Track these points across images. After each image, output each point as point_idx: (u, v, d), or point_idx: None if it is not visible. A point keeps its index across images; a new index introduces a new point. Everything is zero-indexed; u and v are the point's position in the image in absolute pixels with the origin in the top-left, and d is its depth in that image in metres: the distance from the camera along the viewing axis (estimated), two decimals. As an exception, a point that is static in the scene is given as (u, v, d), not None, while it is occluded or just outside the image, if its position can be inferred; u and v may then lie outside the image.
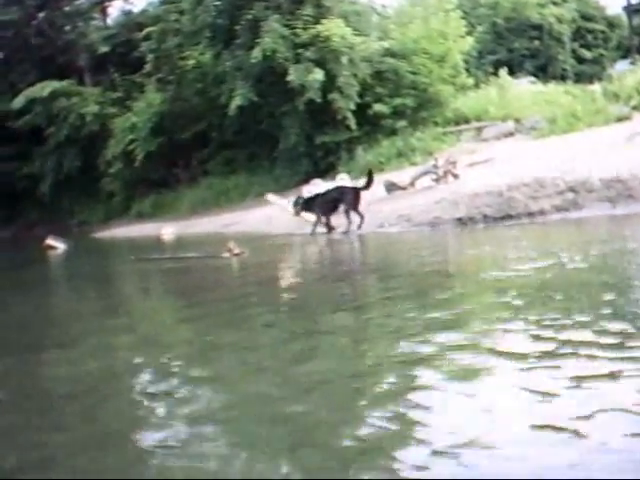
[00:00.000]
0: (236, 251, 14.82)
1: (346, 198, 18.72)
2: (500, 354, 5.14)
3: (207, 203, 36.73)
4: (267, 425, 4.32)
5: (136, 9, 52.60)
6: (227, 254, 14.79)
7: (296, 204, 20.22)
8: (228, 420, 4.50)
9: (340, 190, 19.44)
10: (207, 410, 4.70)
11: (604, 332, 5.30)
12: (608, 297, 6.57)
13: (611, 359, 4.66)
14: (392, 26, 34.42)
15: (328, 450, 3.85)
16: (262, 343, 6.79)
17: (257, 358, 6.08)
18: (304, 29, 32.50)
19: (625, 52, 52.49)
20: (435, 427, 3.93)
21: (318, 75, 30.95)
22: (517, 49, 50.32)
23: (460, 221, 16.21)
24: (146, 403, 5.03)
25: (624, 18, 59.94)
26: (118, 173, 43.24)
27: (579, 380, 4.28)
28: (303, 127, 32.68)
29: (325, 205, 19.25)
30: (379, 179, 21.85)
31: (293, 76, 31.21)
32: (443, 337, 5.79)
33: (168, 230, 28.81)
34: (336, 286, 10.17)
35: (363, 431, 4.03)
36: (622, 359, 4.63)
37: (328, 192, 19.68)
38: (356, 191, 18.90)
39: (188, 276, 13.37)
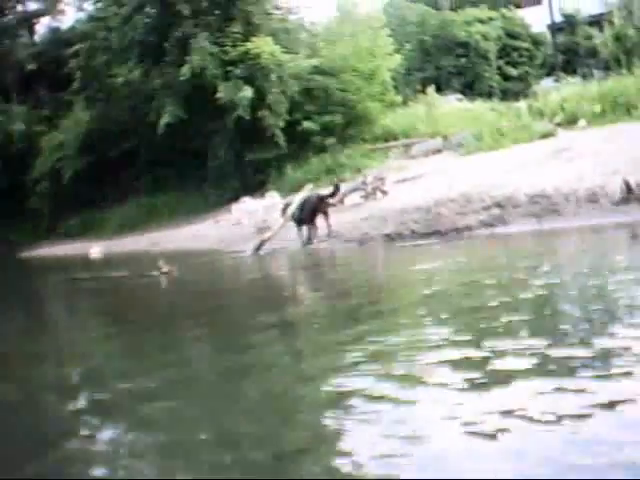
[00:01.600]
0: (165, 269, 14.76)
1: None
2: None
3: (136, 221, 36.42)
4: (196, 440, 4.33)
5: (64, 26, 51.94)
6: (156, 272, 14.73)
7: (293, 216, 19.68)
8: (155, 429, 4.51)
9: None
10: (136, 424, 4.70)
11: (532, 354, 5.39)
12: (537, 316, 6.69)
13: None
14: (321, 44, 34.53)
15: (252, 462, 3.88)
16: (191, 359, 6.80)
17: (186, 374, 6.09)
18: (233, 47, 32.50)
19: (550, 70, 53.24)
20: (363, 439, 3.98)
21: (247, 92, 30.97)
22: (444, 66, 50.71)
23: (388, 237, 16.35)
24: (75, 416, 5.03)
25: (548, 36, 60.94)
26: (45, 192, 42.68)
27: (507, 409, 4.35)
28: (232, 145, 32.68)
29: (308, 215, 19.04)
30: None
31: (222, 93, 31.17)
32: (373, 346, 5.85)
33: (96, 249, 28.52)
34: (264, 302, 10.19)
35: (295, 442, 4.08)
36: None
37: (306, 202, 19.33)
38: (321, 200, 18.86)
39: (116, 295, 13.30)
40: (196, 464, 3.92)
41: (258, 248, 18.10)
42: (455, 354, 5.51)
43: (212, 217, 28.28)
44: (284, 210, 19.85)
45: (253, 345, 7.09)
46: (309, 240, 18.34)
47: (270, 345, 7.11)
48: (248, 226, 23.17)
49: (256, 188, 30.36)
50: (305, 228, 18.71)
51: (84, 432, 4.74)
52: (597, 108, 27.95)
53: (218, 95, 31.15)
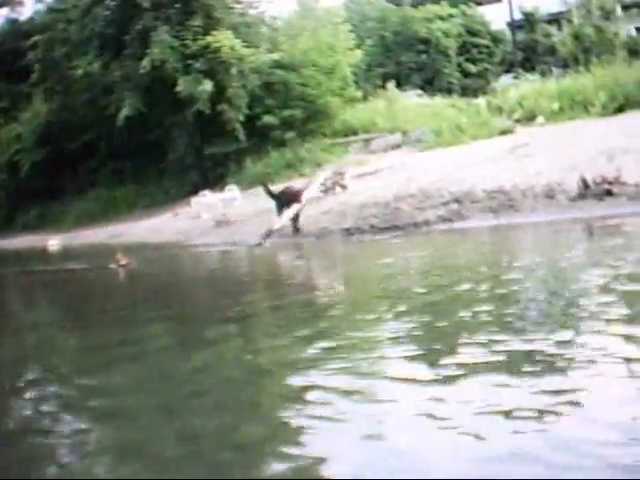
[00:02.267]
0: (123, 262, 14.71)
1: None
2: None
3: (95, 214, 36.23)
4: (156, 434, 4.34)
5: (22, 17, 51.42)
6: (114, 265, 14.68)
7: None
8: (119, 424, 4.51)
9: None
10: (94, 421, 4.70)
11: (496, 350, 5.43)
12: (496, 309, 6.74)
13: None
14: (282, 38, 34.51)
15: (214, 456, 3.89)
16: (150, 353, 6.77)
17: (145, 368, 6.07)
18: (194, 40, 32.42)
19: (509, 66, 53.55)
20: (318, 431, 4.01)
21: (207, 86, 30.91)
22: (405, 62, 50.80)
23: (347, 231, 16.38)
24: (34, 412, 5.01)
25: (508, 33, 61.30)
26: (3, 184, 42.42)
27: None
28: (192, 138, 32.63)
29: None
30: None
31: (182, 87, 31.09)
32: (324, 344, 5.88)
33: (54, 241, 28.35)
34: (221, 296, 10.19)
35: (255, 434, 4.10)
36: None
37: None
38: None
39: (73, 287, 13.22)
40: (155, 458, 3.92)
41: (267, 237, 17.69)
42: (415, 349, 5.54)
43: (171, 210, 28.22)
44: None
45: (212, 339, 7.08)
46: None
47: (229, 339, 7.11)
48: (207, 219, 23.14)
49: (216, 182, 30.34)
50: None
51: (43, 428, 4.71)
52: (555, 105, 28.19)
53: (178, 88, 31.06)
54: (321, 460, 3.59)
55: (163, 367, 6.13)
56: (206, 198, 26.34)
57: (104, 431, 4.54)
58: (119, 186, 37.89)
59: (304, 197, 17.99)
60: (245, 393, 5.11)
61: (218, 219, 21.96)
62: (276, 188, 20.94)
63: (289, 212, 17.70)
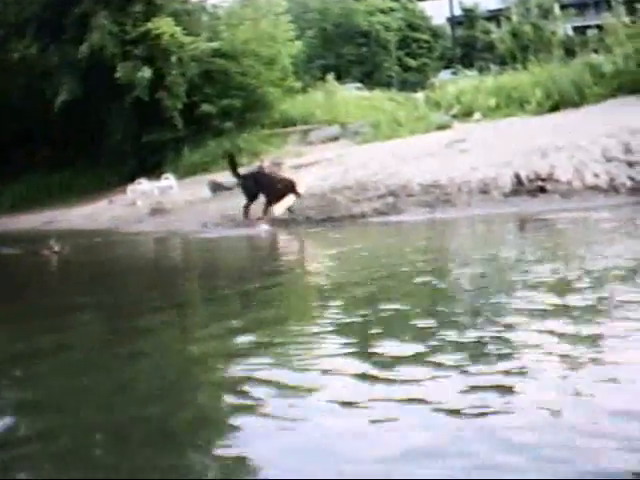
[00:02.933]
0: (56, 249, 14.56)
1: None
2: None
3: (30, 200, 35.75)
4: (84, 424, 4.33)
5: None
6: (46, 252, 14.52)
7: None
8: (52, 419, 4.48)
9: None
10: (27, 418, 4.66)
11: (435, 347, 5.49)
12: (428, 302, 6.81)
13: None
14: (222, 27, 34.45)
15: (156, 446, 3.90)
16: (80, 342, 6.72)
17: (75, 358, 6.03)
18: (133, 26, 32.23)
19: (448, 62, 54.10)
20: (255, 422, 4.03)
21: (146, 73, 30.75)
22: (345, 55, 51.16)
23: (283, 222, 16.40)
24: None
25: (448, 29, 61.88)
26: None
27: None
28: (130, 125, 32.39)
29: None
30: (204, 179, 21.95)
31: (121, 73, 30.89)
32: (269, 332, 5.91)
33: (-14, 226, 28.03)
34: (155, 285, 10.15)
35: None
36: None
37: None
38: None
39: (2, 274, 13.07)
40: (83, 448, 3.91)
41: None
42: (348, 341, 5.57)
43: (107, 197, 28.00)
44: None
45: (144, 328, 7.04)
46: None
47: (162, 328, 7.07)
48: (142, 207, 23.01)
49: (152, 169, 30.14)
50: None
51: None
52: (492, 102, 28.54)
53: (117, 75, 30.85)
54: (248, 452, 3.62)
55: (92, 356, 6.08)
56: (142, 186, 26.21)
57: (30, 422, 4.50)
58: (55, 172, 37.42)
59: (302, 188, 17.35)
60: (176, 383, 5.11)
61: (153, 207, 21.85)
62: (214, 177, 20.92)
63: (287, 200, 17.25)
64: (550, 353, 4.66)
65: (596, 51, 29.69)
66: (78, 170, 35.90)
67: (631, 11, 32.52)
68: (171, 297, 8.82)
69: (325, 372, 4.84)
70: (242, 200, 18.02)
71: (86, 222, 23.62)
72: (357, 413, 3.97)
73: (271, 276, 10.03)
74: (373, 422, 3.81)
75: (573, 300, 6.03)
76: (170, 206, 21.46)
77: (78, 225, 23.50)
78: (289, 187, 17.13)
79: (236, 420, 4.07)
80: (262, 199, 17.35)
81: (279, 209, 17.03)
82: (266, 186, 17.44)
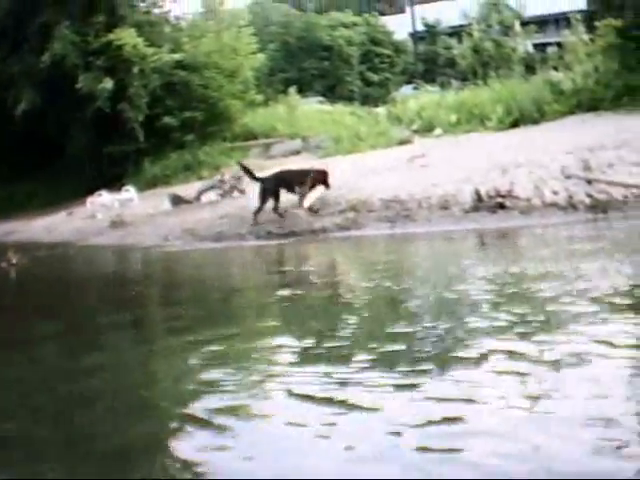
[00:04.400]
0: (14, 260, 14.47)
1: None
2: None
3: (-12, 210, 35.43)
4: (44, 436, 4.31)
5: None
6: (4, 264, 14.42)
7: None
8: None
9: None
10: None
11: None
12: (384, 316, 6.84)
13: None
14: (185, 39, 34.35)
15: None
16: (40, 357, 6.69)
17: (35, 371, 6.00)
18: (96, 37, 32.02)
19: (410, 77, 54.23)
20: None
21: (108, 84, 30.55)
22: (307, 68, 51.13)
23: (244, 236, 16.37)
24: None
25: (410, 44, 62.10)
26: None
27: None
28: (90, 136, 32.14)
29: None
30: (165, 192, 21.91)
31: (82, 84, 30.68)
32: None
33: (-57, 237, 27.70)
34: (113, 299, 10.11)
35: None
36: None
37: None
38: None
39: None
40: (43, 459, 3.91)
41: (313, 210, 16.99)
42: (304, 354, 5.63)
43: (68, 209, 27.81)
44: None
45: (103, 341, 7.05)
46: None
47: (121, 341, 7.08)
48: (102, 219, 22.88)
49: (113, 181, 29.96)
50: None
51: None
52: (453, 117, 28.67)
53: (78, 85, 30.63)
54: (203, 462, 3.64)
55: (53, 370, 6.06)
56: (102, 198, 26.07)
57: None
58: (15, 183, 37.03)
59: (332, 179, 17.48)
60: (134, 397, 5.11)
61: (113, 220, 21.73)
62: (175, 190, 20.83)
63: (316, 192, 17.29)
64: (510, 367, 4.72)
65: (556, 68, 29.94)
66: (39, 181, 35.55)
67: (590, 29, 32.84)
68: (129, 312, 8.80)
69: (280, 384, 4.90)
70: (202, 214, 18.00)
71: (46, 234, 23.47)
72: (309, 422, 4.01)
73: (227, 290, 10.02)
74: (325, 432, 3.86)
75: (523, 316, 6.10)
76: (130, 219, 21.36)
77: (38, 237, 23.34)
78: (320, 178, 17.29)
79: (190, 434, 4.10)
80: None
81: (309, 200, 17.09)
82: (291, 182, 17.35)
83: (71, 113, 32.00)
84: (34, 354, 6.80)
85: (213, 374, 5.25)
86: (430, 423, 3.88)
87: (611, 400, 3.97)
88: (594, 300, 6.32)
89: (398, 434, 3.75)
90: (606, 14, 28.87)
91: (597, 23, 28.27)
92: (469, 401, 4.17)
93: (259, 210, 17.10)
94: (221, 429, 4.10)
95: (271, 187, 17.27)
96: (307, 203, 16.93)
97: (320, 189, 17.15)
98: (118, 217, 21.89)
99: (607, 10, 31.05)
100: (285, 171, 18.28)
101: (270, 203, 17.08)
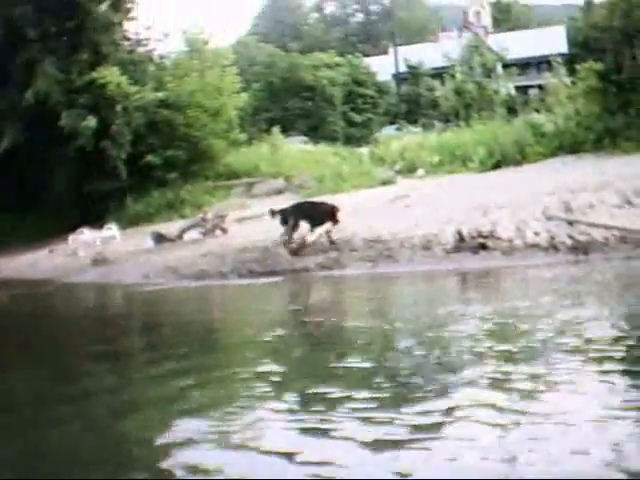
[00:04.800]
0: (-5, 298, 14.43)
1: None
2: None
3: (-31, 247, 35.26)
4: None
5: None
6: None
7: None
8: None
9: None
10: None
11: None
12: (367, 355, 6.85)
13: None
14: (169, 77, 34.39)
15: None
16: (18, 386, 6.68)
17: (14, 400, 6.00)
18: (79, 75, 32.06)
19: (392, 118, 54.58)
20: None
21: (91, 122, 30.56)
22: (291, 108, 51.39)
23: (226, 275, 16.33)
24: None
25: (393, 85, 62.59)
26: None
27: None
28: (73, 173, 32.11)
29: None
30: (147, 230, 21.89)
31: (65, 121, 30.68)
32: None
33: None
34: (93, 333, 10.10)
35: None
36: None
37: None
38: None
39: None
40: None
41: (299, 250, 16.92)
42: (274, 387, 5.70)
43: (50, 245, 27.71)
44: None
45: (81, 374, 7.05)
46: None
47: (97, 375, 7.07)
48: (84, 257, 22.80)
49: (95, 219, 29.87)
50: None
51: None
52: (435, 158, 28.83)
53: (61, 123, 30.62)
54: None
55: (30, 399, 6.08)
56: (84, 235, 26.00)
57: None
58: (-2, 219, 36.91)
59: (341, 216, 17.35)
60: (106, 426, 5.14)
61: (95, 257, 21.65)
62: (157, 228, 20.81)
63: (322, 228, 17.16)
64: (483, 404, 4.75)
65: (537, 110, 30.22)
66: (22, 217, 35.39)
67: (571, 72, 33.17)
68: (108, 344, 8.82)
69: (257, 420, 4.94)
70: (184, 252, 17.98)
71: (28, 271, 23.36)
72: (284, 450, 4.02)
73: (206, 327, 10.02)
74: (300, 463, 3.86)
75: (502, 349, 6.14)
76: (112, 256, 21.30)
77: (20, 273, 23.23)
78: (329, 214, 17.19)
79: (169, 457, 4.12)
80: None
81: (313, 236, 17.05)
82: (311, 214, 17.46)
83: (54, 150, 31.95)
84: (14, 382, 6.81)
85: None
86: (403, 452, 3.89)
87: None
88: (569, 350, 6.35)
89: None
90: (587, 57, 29.21)
91: (578, 66, 28.58)
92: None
93: (288, 239, 17.17)
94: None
95: (292, 217, 17.43)
96: (314, 237, 16.86)
97: (328, 224, 17.07)
98: (100, 255, 21.81)
99: (588, 53, 31.45)
100: (305, 203, 18.32)
101: (287, 231, 17.28)
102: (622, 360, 5.88)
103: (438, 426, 4.57)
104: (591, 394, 5.04)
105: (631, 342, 6.44)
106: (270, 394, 5.67)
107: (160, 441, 4.65)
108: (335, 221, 17.08)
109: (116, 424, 5.35)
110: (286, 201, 25.83)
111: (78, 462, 4.53)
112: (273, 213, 18.15)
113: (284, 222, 17.57)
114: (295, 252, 16.57)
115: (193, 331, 9.81)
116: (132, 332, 10.76)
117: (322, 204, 18.10)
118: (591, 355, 6.08)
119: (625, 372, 5.58)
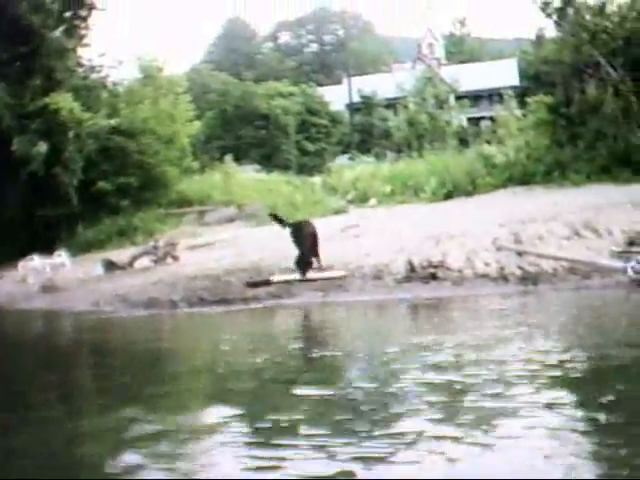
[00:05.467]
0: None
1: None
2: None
3: None
4: None
5: None
6: None
7: None
8: None
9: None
10: None
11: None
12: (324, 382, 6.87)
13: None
14: (122, 104, 34.27)
15: None
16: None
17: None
18: (32, 100, 31.85)
19: (345, 147, 54.93)
20: None
21: (42, 147, 30.34)
22: (244, 137, 51.51)
23: (176, 303, 16.22)
24: None
25: (346, 115, 62.96)
26: None
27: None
28: (24, 199, 31.80)
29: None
30: (98, 257, 21.76)
31: (17, 146, 30.44)
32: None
33: None
34: (46, 362, 10.02)
35: None
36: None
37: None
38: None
39: None
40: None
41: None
42: (222, 416, 5.72)
43: (-1, 272, 27.43)
44: None
45: (34, 403, 7.02)
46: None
47: (48, 406, 7.03)
48: (33, 284, 22.57)
49: (46, 245, 29.60)
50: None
51: None
52: (387, 188, 29.01)
53: (12, 148, 30.39)
54: None
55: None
56: (34, 262, 25.72)
57: None
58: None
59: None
60: (62, 455, 5.12)
61: (44, 284, 21.45)
62: (108, 255, 20.70)
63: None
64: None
65: (489, 142, 30.56)
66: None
67: (522, 104, 33.60)
68: (59, 374, 8.75)
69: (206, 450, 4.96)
70: (134, 280, 17.91)
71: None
72: None
73: (154, 357, 9.98)
74: None
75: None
76: (62, 284, 21.09)
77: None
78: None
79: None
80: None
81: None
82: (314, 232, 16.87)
83: (5, 175, 31.68)
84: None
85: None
86: None
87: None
88: (516, 378, 6.43)
89: None
90: (537, 90, 29.63)
91: (529, 99, 28.98)
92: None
93: (304, 256, 16.50)
94: None
95: (300, 234, 16.82)
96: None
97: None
98: (49, 282, 21.61)
99: (538, 87, 31.88)
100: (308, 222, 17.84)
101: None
102: (568, 387, 5.97)
103: (389, 455, 4.61)
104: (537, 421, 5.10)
105: (577, 372, 6.53)
106: (220, 424, 5.67)
107: (109, 469, 4.65)
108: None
109: (68, 451, 5.34)
110: (237, 229, 25.88)
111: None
112: (281, 221, 17.98)
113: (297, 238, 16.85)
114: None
115: (141, 360, 9.77)
116: (81, 360, 10.68)
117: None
118: (538, 382, 6.15)
119: (571, 400, 5.67)
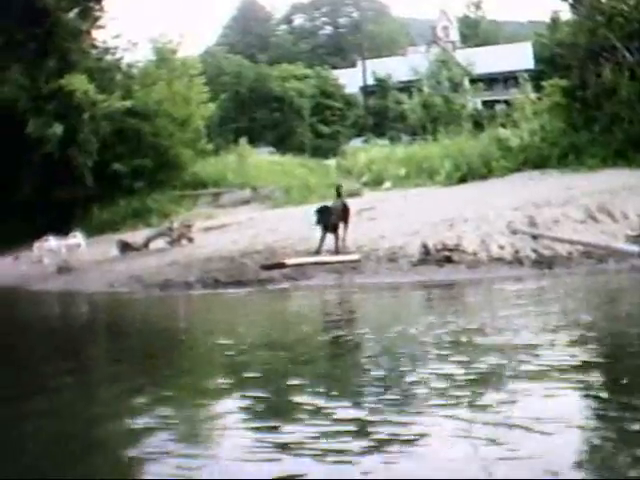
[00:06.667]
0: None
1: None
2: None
3: None
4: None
5: None
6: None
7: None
8: None
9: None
10: None
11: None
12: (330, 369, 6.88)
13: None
14: (136, 86, 34.33)
15: None
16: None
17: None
18: (47, 82, 31.90)
19: (360, 130, 54.78)
20: None
21: (58, 129, 30.42)
22: (258, 119, 51.46)
23: (191, 284, 16.26)
24: None
25: (360, 98, 62.78)
26: None
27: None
28: (39, 180, 31.89)
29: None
30: (113, 239, 21.79)
31: (32, 128, 30.52)
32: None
33: None
34: (59, 344, 10.05)
35: None
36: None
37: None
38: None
39: None
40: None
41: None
42: (241, 400, 5.74)
43: (15, 253, 27.51)
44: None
45: (48, 387, 7.03)
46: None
47: (64, 388, 7.05)
48: (49, 265, 22.66)
49: (61, 226, 29.69)
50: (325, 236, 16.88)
51: None
52: (402, 171, 28.97)
53: (28, 129, 30.46)
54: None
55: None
56: (49, 243, 25.79)
57: None
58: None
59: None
60: (75, 439, 5.13)
61: (60, 265, 21.53)
62: (122, 237, 20.75)
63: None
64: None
65: (504, 125, 30.40)
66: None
67: (537, 88, 33.43)
68: (74, 356, 8.77)
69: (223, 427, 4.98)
70: (149, 261, 17.95)
71: (-8, 279, 23.18)
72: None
73: (171, 340, 9.99)
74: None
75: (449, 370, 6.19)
76: (77, 265, 21.18)
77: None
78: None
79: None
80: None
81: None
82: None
83: (20, 157, 31.77)
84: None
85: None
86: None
87: None
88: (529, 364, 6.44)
89: None
90: (553, 74, 29.48)
91: (544, 82, 28.83)
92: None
93: (336, 239, 16.70)
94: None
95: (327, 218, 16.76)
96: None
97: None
98: (65, 263, 21.69)
99: (554, 70, 31.73)
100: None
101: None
102: (582, 374, 5.96)
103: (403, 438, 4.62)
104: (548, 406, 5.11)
105: (590, 355, 6.54)
106: (237, 405, 5.68)
107: (128, 453, 4.68)
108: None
109: (85, 435, 5.35)
110: (252, 211, 25.91)
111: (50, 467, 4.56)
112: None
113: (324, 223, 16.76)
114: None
115: (158, 341, 9.80)
116: (96, 342, 10.72)
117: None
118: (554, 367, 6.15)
119: (582, 385, 5.67)
